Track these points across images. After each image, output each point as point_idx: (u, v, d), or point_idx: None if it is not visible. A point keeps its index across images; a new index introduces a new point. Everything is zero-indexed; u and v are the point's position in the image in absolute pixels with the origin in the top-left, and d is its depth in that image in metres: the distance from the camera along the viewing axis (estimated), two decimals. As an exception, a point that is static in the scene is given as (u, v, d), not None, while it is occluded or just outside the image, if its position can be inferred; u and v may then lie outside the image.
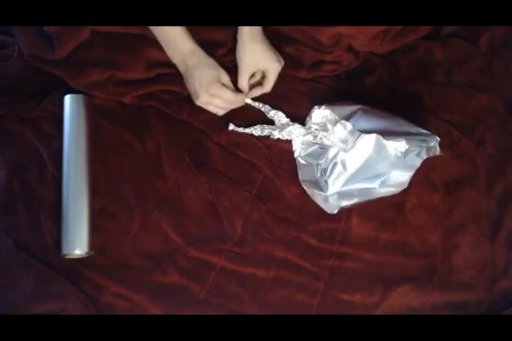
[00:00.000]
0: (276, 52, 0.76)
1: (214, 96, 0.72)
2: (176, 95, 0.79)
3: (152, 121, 0.78)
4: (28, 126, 0.76)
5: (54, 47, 0.74)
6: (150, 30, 0.74)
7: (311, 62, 0.82)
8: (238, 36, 0.74)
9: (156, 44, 0.75)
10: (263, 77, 0.77)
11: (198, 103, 0.74)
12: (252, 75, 0.77)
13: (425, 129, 0.70)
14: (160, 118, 0.78)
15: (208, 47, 0.76)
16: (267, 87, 0.77)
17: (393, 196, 0.75)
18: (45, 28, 0.73)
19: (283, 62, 0.76)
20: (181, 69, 0.75)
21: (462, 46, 0.86)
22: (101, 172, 0.74)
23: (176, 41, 0.73)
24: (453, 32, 0.88)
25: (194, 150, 0.76)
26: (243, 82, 0.76)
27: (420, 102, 0.82)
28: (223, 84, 0.73)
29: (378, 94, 0.82)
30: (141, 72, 0.77)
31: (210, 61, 0.74)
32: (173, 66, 0.77)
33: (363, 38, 0.80)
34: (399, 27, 0.81)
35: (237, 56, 0.75)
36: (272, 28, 0.78)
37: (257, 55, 0.74)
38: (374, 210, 0.75)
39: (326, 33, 0.77)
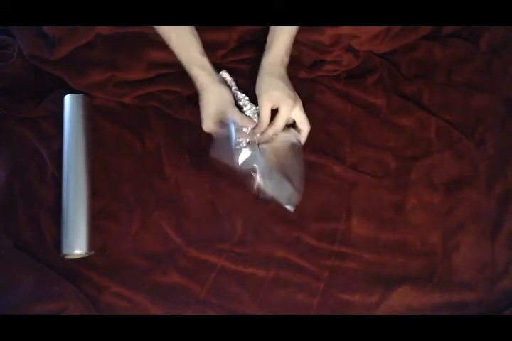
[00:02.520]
0: (295, 92, 0.72)
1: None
2: (177, 95, 0.79)
3: (152, 121, 0.78)
4: (28, 126, 0.76)
5: (54, 47, 0.74)
6: (151, 30, 0.74)
7: (311, 62, 0.82)
8: (259, 67, 0.72)
9: (156, 45, 0.75)
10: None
11: None
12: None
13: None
14: (160, 118, 0.78)
15: (208, 48, 0.76)
16: (278, 124, 0.70)
17: (393, 196, 0.76)
18: (47, 28, 0.73)
19: (299, 103, 0.71)
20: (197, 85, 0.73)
21: (462, 46, 0.86)
22: (101, 172, 0.75)
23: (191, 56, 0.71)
24: (453, 32, 0.88)
25: (194, 150, 0.76)
26: (264, 115, 0.70)
27: (420, 102, 0.82)
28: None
29: (378, 94, 0.82)
30: (141, 73, 0.77)
31: (222, 87, 0.71)
32: (173, 66, 0.77)
33: (363, 37, 0.80)
34: (399, 27, 0.81)
35: (256, 88, 0.71)
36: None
37: (272, 88, 0.70)
38: (374, 210, 0.75)
39: (326, 33, 0.77)
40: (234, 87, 0.74)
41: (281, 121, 0.70)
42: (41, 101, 0.77)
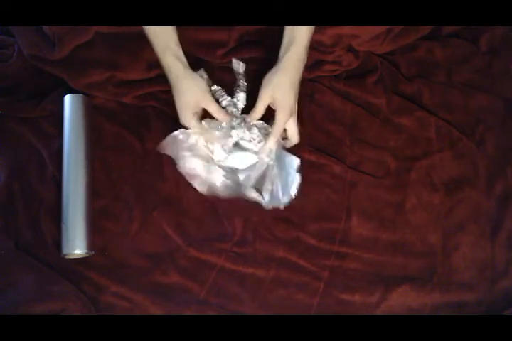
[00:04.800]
0: (296, 102, 0.69)
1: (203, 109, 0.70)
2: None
3: (152, 121, 0.78)
4: (28, 126, 0.76)
5: (54, 47, 0.74)
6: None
7: (311, 62, 0.82)
8: (278, 59, 0.69)
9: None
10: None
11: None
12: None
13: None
14: (160, 118, 0.78)
15: (208, 47, 0.77)
16: (274, 131, 0.68)
17: (393, 196, 0.76)
18: (47, 28, 0.73)
19: (294, 115, 0.69)
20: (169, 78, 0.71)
21: (462, 46, 0.86)
22: (101, 172, 0.75)
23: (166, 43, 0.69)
24: (453, 32, 0.88)
25: (194, 150, 0.76)
26: (259, 108, 0.69)
27: (420, 102, 0.82)
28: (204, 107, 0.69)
29: (378, 94, 0.82)
30: (141, 73, 0.77)
31: (193, 78, 0.69)
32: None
33: (364, 38, 0.80)
34: (400, 27, 0.81)
35: (265, 78, 0.68)
36: (272, 28, 0.78)
37: (279, 89, 0.67)
38: (374, 210, 0.75)
39: (327, 33, 0.77)
40: (209, 82, 0.72)
41: (277, 130, 0.68)
42: (41, 101, 0.77)
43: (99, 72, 0.75)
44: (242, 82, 0.72)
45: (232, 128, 0.70)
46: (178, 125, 0.77)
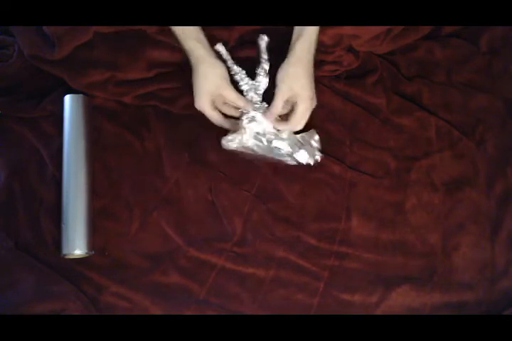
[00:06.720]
0: (314, 90, 0.71)
1: (220, 96, 0.69)
2: (177, 91, 0.78)
3: (152, 120, 0.78)
4: (28, 126, 0.76)
5: (54, 47, 0.74)
6: (151, 29, 0.73)
7: (311, 62, 0.82)
8: (287, 56, 0.70)
9: (156, 43, 0.75)
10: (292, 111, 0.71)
11: (198, 105, 0.71)
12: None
13: None
14: (160, 118, 0.78)
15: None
16: (294, 122, 0.70)
17: (393, 196, 0.76)
18: (47, 28, 0.73)
19: (315, 103, 0.72)
20: (192, 58, 0.70)
21: (462, 46, 0.86)
22: (101, 172, 0.75)
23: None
24: (453, 32, 0.88)
25: (194, 150, 0.76)
26: (277, 105, 0.69)
27: (420, 102, 0.82)
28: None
29: (378, 94, 0.82)
30: (141, 72, 0.77)
31: (219, 62, 0.70)
32: (173, 65, 0.77)
33: (364, 38, 0.80)
34: (400, 27, 0.81)
35: (278, 75, 0.69)
36: (272, 28, 0.78)
37: (295, 79, 0.69)
38: (374, 210, 0.75)
39: (327, 33, 0.77)
40: (230, 61, 0.73)
41: (296, 120, 0.70)
42: (41, 101, 0.77)
43: (99, 72, 0.75)
44: (265, 64, 0.72)
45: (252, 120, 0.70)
46: (177, 124, 0.78)
